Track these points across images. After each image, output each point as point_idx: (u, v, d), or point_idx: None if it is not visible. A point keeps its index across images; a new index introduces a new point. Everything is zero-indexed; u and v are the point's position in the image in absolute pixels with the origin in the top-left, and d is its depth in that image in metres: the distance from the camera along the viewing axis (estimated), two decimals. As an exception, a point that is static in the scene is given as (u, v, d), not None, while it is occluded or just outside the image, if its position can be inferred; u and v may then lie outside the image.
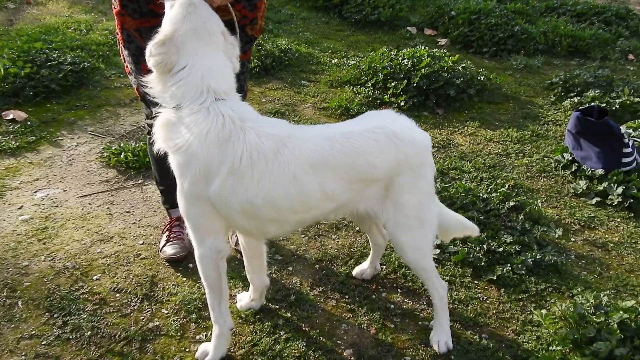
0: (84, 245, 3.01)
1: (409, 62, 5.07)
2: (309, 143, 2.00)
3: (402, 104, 4.87)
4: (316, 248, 3.08)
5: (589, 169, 3.84)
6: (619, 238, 3.27)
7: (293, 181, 1.97)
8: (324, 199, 2.06)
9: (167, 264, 2.90)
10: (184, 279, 2.81)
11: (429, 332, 2.52)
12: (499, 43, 6.46)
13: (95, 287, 2.72)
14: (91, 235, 3.11)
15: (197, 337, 2.47)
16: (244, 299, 2.62)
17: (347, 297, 2.73)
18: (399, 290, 2.80)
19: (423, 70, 4.93)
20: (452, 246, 3.06)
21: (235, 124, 1.95)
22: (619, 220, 3.45)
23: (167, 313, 2.59)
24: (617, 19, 7.42)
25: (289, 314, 2.60)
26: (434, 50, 5.51)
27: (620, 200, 3.55)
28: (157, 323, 2.53)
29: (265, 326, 2.51)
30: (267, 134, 1.98)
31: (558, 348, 2.40)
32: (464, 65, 5.33)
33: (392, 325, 2.57)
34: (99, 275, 2.80)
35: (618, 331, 2.32)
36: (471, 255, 2.96)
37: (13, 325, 2.48)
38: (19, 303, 2.60)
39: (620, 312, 2.44)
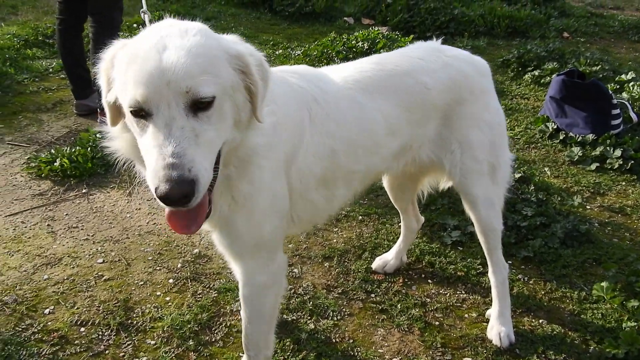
0: (25, 273, 2.33)
1: (365, 44, 4.71)
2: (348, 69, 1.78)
3: (365, 88, 4.49)
4: (319, 244, 2.58)
5: (578, 136, 3.63)
6: (632, 202, 3.04)
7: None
8: (387, 134, 1.73)
9: (142, 283, 2.29)
10: (167, 297, 2.22)
11: (481, 324, 2.11)
12: (441, 27, 6.31)
13: (49, 322, 2.06)
14: (32, 259, 2.42)
15: (202, 369, 1.90)
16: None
17: (373, 295, 2.26)
18: (429, 281, 2.37)
19: (381, 51, 4.58)
20: (469, 226, 2.68)
21: None
22: (624, 183, 3.23)
23: (155, 344, 1.99)
24: (545, 0, 7.54)
25: (311, 325, 2.09)
26: (386, 33, 5.20)
27: (621, 163, 3.34)
28: (145, 358, 1.93)
29: (287, 344, 1.98)
30: None
31: (632, 324, 2.06)
32: (420, 45, 5.05)
33: (437, 323, 2.12)
34: (52, 307, 2.14)
35: (697, 294, 2.03)
36: (497, 233, 2.59)
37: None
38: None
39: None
